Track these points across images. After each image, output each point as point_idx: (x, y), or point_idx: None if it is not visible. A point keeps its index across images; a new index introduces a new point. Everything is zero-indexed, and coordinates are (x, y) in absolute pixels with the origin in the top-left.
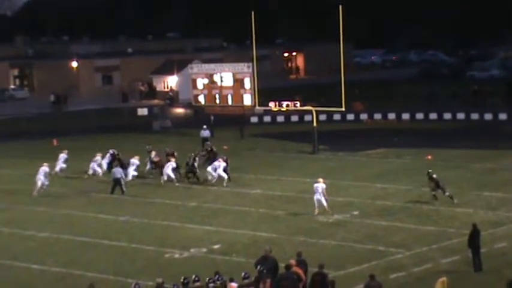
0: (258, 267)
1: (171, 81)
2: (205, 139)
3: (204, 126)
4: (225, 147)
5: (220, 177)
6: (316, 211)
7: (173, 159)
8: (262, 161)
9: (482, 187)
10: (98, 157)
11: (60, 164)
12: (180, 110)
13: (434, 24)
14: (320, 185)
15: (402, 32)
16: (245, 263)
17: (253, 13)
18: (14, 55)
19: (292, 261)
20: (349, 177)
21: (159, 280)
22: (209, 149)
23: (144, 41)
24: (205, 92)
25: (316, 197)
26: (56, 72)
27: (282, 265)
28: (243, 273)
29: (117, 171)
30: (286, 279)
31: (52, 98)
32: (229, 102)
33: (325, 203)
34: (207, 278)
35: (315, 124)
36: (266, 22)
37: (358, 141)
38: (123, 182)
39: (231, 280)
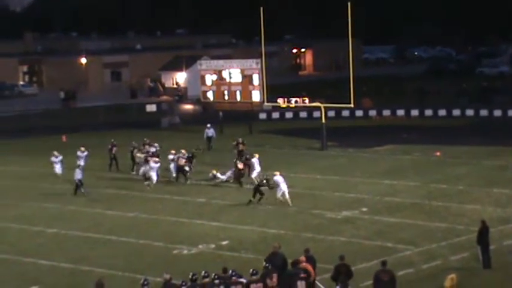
0: (264, 263)
1: (180, 78)
2: (209, 138)
3: (208, 125)
4: (233, 143)
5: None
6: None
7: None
8: (270, 157)
9: (492, 184)
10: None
11: None
12: (188, 107)
13: (443, 20)
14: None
15: (412, 29)
16: (253, 259)
17: (261, 9)
18: (23, 51)
19: (302, 258)
20: (357, 174)
21: (167, 276)
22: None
23: (152, 37)
24: (214, 88)
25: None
26: (65, 68)
27: (290, 261)
28: (251, 270)
29: (78, 173)
30: (293, 275)
31: (62, 95)
32: (238, 99)
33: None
34: (213, 274)
35: (323, 120)
36: (275, 18)
37: (367, 138)
38: (80, 184)
39: (240, 276)
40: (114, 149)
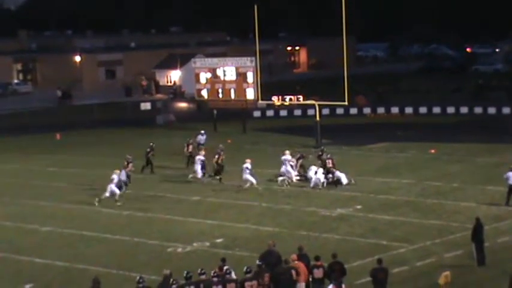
0: (257, 262)
1: (174, 76)
2: (200, 145)
3: (202, 132)
4: (228, 141)
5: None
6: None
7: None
8: (265, 155)
9: (486, 181)
10: None
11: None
12: (183, 104)
13: (439, 18)
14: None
15: (406, 26)
16: (248, 257)
17: (256, 7)
18: (17, 49)
19: (294, 256)
20: (352, 171)
21: (167, 272)
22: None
23: (147, 35)
24: (208, 86)
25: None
26: (59, 66)
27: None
28: (245, 268)
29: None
30: (283, 274)
31: (59, 93)
32: (232, 97)
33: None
34: (212, 272)
35: (318, 118)
36: (269, 16)
37: (361, 135)
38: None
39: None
40: (152, 152)
